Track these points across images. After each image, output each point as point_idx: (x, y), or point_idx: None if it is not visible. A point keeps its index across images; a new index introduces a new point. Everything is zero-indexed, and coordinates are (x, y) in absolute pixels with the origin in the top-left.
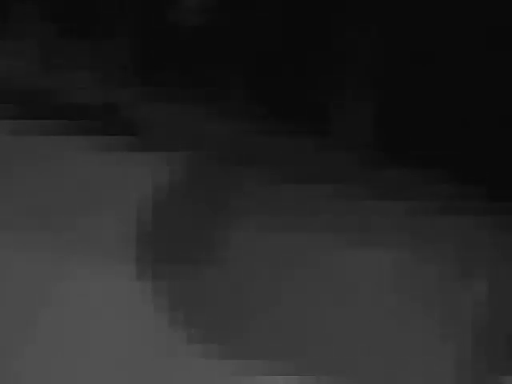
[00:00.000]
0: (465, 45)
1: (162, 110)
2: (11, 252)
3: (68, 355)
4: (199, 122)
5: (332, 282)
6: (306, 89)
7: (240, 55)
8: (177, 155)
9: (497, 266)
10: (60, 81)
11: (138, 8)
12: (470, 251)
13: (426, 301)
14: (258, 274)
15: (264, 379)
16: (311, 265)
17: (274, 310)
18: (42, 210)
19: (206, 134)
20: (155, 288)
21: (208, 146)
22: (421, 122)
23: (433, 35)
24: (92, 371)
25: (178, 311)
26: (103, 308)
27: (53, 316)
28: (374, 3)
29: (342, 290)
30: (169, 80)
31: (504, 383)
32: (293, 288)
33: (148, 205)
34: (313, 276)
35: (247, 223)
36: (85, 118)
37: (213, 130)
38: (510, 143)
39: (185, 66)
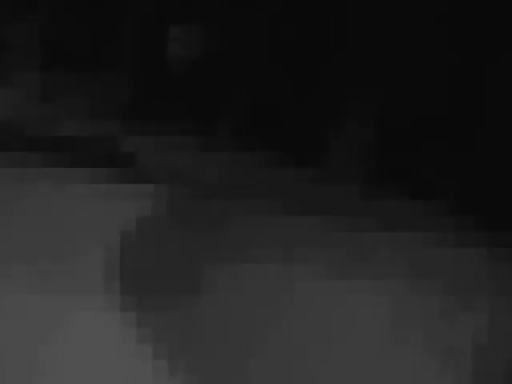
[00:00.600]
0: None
1: (150, 142)
2: None
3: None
4: (189, 154)
5: (327, 315)
6: (300, 120)
7: (231, 87)
8: (163, 188)
9: (497, 298)
10: (48, 112)
11: (134, 43)
12: (469, 283)
13: (425, 333)
14: (245, 309)
15: None
16: (304, 298)
17: (263, 346)
18: (23, 242)
19: (195, 166)
20: (139, 320)
21: (195, 179)
22: (418, 154)
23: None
24: None
25: (161, 343)
26: (85, 337)
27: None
28: (373, 28)
29: (338, 323)
30: (158, 113)
31: None
32: (284, 323)
33: (131, 237)
34: (306, 310)
35: (235, 256)
36: (72, 150)
37: (203, 162)
38: (510, 173)
39: (175, 99)
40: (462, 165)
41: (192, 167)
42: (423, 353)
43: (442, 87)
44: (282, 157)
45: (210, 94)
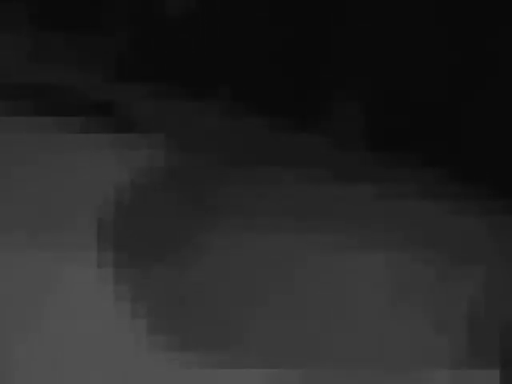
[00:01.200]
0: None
1: (152, 106)
2: None
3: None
4: (187, 118)
5: (328, 281)
6: (297, 86)
7: (231, 52)
8: (159, 138)
9: (493, 259)
10: (51, 77)
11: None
12: (465, 250)
13: (422, 294)
14: (241, 274)
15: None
16: (302, 266)
17: (263, 310)
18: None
19: (194, 130)
20: (117, 277)
21: (196, 143)
22: (417, 120)
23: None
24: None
25: (139, 302)
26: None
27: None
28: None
29: (339, 288)
30: (158, 77)
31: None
32: (281, 289)
33: (123, 193)
34: (304, 277)
35: (232, 224)
36: (76, 114)
37: (202, 126)
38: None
39: (175, 62)
40: (462, 133)
41: (186, 117)
42: (419, 318)
43: (440, 59)
44: (283, 122)
45: (208, 54)
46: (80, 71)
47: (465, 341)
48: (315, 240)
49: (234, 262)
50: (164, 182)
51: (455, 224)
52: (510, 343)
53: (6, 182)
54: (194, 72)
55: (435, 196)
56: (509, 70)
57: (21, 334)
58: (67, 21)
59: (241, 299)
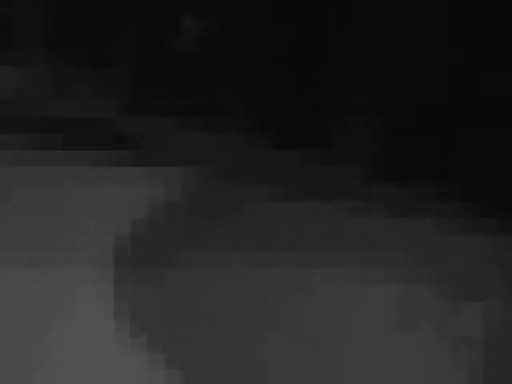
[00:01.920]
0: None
1: (158, 124)
2: None
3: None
4: (197, 136)
5: (333, 301)
6: (307, 105)
7: (239, 73)
8: (173, 170)
9: (507, 284)
10: (66, 111)
11: (137, 32)
12: (479, 270)
13: (435, 322)
14: (255, 296)
15: None
16: (310, 295)
17: (273, 337)
18: (27, 224)
19: (203, 149)
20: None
21: (206, 162)
22: (419, 139)
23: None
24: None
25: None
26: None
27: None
28: (376, 23)
29: (344, 309)
30: (165, 94)
31: None
32: (289, 318)
33: (142, 221)
34: (312, 306)
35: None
36: (80, 133)
37: (211, 144)
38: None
39: (183, 82)
40: (465, 151)
41: (203, 149)
42: (433, 342)
43: (442, 77)
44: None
45: (217, 77)
46: (94, 104)
47: (481, 371)
48: (323, 270)
49: (239, 288)
50: (179, 215)
51: (464, 242)
52: None
53: (28, 216)
54: (206, 103)
55: (445, 214)
56: None
57: (33, 355)
58: (80, 52)
59: (248, 326)
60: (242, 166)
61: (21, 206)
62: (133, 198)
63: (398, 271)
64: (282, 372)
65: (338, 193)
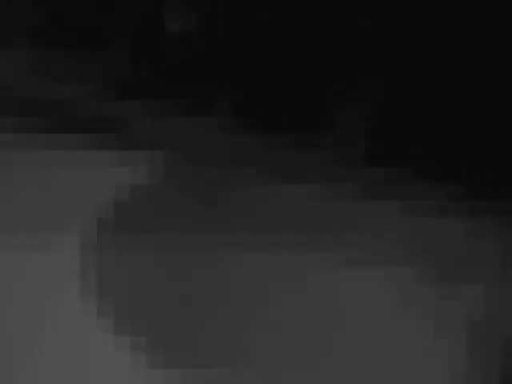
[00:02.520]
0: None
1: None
2: None
3: None
4: (183, 120)
5: (319, 284)
6: (300, 100)
7: (231, 67)
8: (158, 154)
9: (493, 269)
10: (56, 92)
11: (132, 18)
12: (464, 255)
13: (419, 306)
14: (240, 290)
15: None
16: (301, 281)
17: (264, 324)
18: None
19: (190, 132)
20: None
21: (189, 147)
22: (425, 135)
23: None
24: None
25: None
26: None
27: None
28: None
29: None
30: (157, 92)
31: None
32: (280, 304)
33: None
34: (303, 292)
35: (231, 241)
36: (61, 114)
37: (197, 127)
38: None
39: (174, 77)
40: (470, 150)
41: (186, 132)
42: (417, 326)
43: (438, 74)
44: (282, 138)
45: (207, 71)
46: (80, 87)
47: (465, 357)
48: (315, 256)
49: (234, 277)
50: (163, 198)
51: (456, 239)
52: (510, 360)
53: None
54: (193, 87)
55: (439, 211)
56: None
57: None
58: (67, 36)
59: (240, 314)
60: (226, 149)
61: (6, 189)
62: (114, 181)
63: (382, 255)
64: (272, 355)
65: (319, 176)
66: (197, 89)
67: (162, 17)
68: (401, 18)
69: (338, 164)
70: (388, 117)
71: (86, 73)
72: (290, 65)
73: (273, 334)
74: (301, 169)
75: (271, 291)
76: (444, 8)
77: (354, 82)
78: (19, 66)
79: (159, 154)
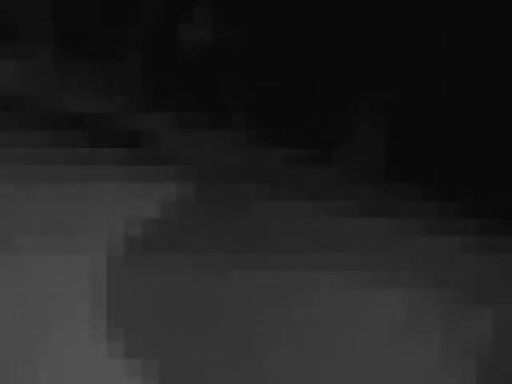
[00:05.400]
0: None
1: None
2: None
3: None
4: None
5: (326, 304)
6: (312, 115)
7: (247, 80)
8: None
9: (503, 296)
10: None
11: (150, 26)
12: (476, 281)
13: (429, 332)
14: (249, 311)
15: None
16: (314, 301)
17: (273, 348)
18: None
19: (205, 147)
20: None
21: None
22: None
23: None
24: None
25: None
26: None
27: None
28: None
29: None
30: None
31: None
32: (290, 324)
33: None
34: (316, 313)
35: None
36: (89, 128)
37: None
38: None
39: (191, 88)
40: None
41: (205, 147)
42: (426, 351)
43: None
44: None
45: (221, 84)
46: (106, 100)
47: (474, 374)
48: (327, 276)
49: (244, 298)
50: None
51: (467, 261)
52: None
53: (36, 214)
54: (210, 101)
55: (448, 231)
56: None
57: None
58: (91, 49)
59: (253, 337)
60: (241, 165)
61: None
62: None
63: (391, 275)
64: (282, 375)
65: (327, 192)
66: (211, 102)
67: (184, 30)
68: (416, 33)
69: (351, 180)
70: (405, 130)
71: (111, 84)
72: (306, 78)
73: (285, 352)
74: (314, 184)
75: (283, 311)
76: (456, 23)
77: (367, 94)
78: (44, 79)
79: (187, 169)
